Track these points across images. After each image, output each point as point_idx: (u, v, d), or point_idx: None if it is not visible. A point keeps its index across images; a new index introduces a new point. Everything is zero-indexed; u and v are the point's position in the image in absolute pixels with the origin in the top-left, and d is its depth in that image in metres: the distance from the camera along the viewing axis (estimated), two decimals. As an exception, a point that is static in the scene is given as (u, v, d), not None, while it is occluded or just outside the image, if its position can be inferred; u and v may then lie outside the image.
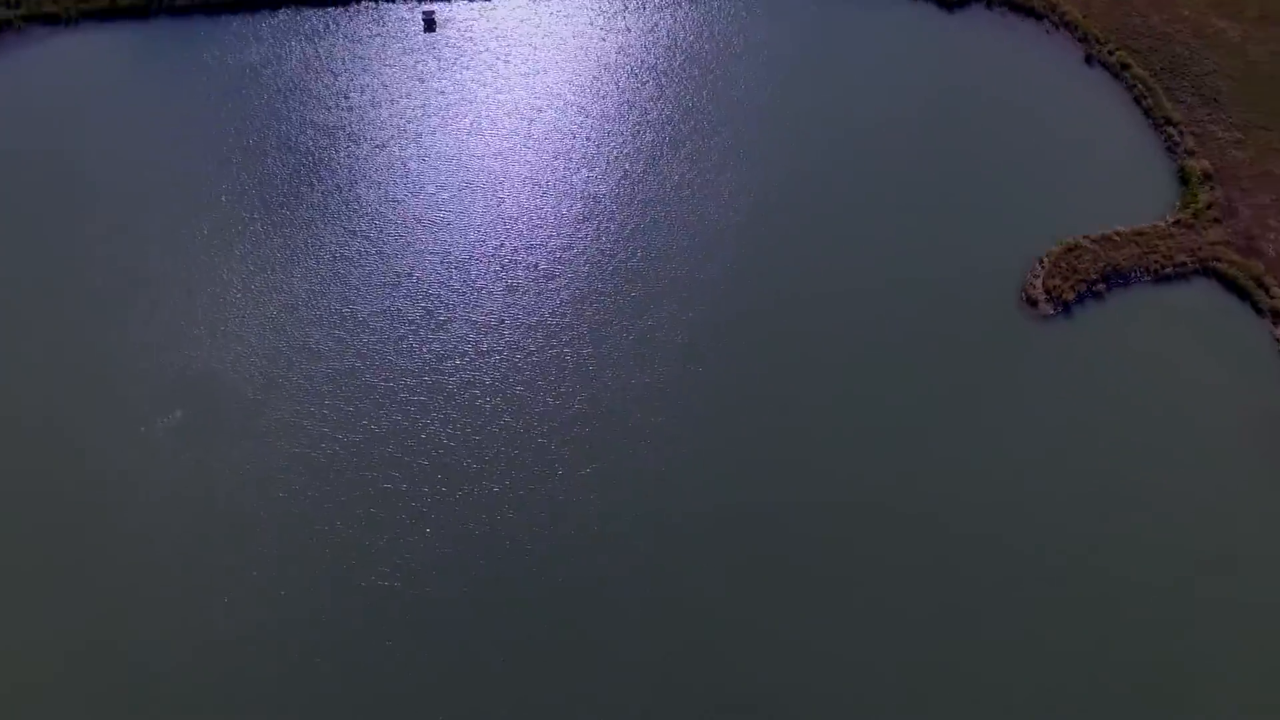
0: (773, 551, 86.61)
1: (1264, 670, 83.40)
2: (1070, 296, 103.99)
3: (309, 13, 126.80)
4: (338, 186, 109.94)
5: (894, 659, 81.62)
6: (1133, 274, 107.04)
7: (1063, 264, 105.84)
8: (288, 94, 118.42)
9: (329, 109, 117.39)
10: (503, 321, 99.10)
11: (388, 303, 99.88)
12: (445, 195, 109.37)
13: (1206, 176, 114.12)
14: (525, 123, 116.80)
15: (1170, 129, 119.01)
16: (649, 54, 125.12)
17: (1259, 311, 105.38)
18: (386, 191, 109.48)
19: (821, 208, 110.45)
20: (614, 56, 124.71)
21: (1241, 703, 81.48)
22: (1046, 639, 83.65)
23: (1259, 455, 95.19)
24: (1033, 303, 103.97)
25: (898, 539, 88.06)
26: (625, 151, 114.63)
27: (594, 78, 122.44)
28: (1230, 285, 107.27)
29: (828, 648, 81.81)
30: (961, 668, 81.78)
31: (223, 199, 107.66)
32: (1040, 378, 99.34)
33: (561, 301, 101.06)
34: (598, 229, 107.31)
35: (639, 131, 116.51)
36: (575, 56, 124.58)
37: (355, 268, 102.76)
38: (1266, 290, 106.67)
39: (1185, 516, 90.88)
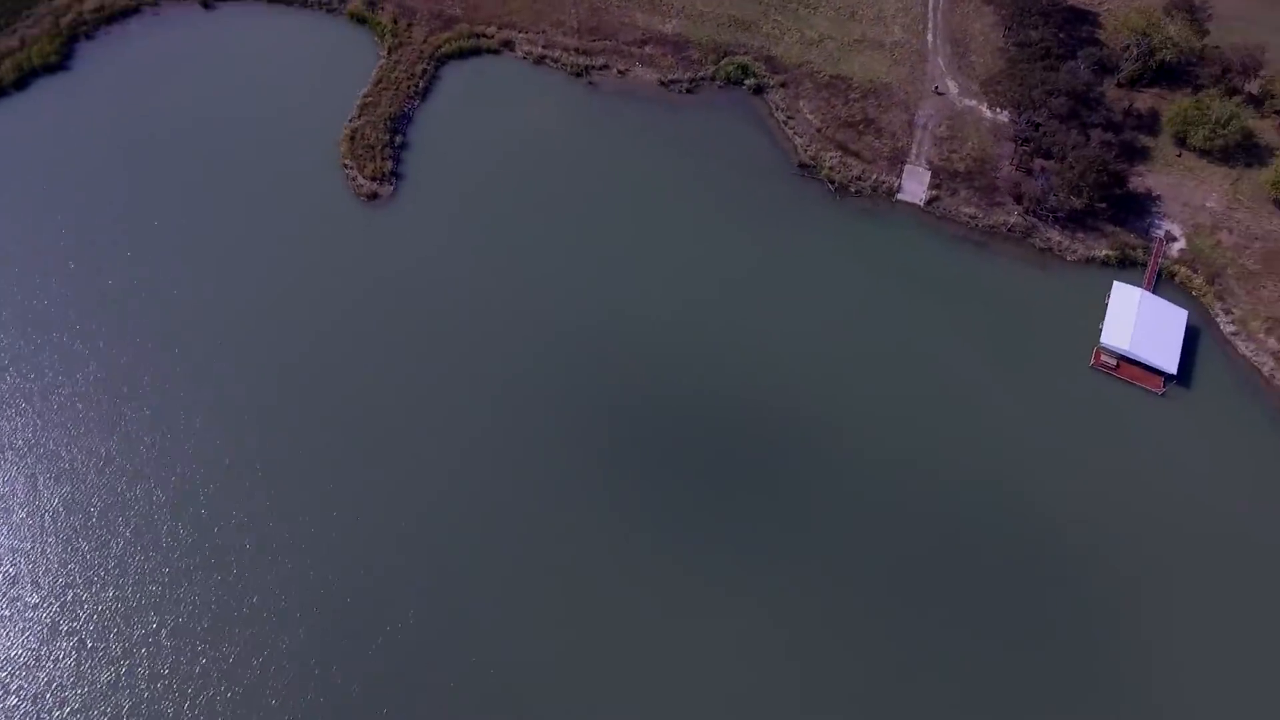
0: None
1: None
2: (388, 165, 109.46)
3: None
4: None
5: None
6: (406, 108, 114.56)
7: (358, 150, 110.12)
8: None
9: None
10: None
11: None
12: None
13: (370, 5, 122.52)
14: None
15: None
16: None
17: (492, 52, 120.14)
18: None
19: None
20: None
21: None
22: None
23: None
24: (373, 196, 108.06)
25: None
26: None
27: None
28: (468, 53, 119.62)
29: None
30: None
31: None
32: (436, 221, 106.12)
33: None
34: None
35: None
36: None
37: None
38: (488, 36, 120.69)
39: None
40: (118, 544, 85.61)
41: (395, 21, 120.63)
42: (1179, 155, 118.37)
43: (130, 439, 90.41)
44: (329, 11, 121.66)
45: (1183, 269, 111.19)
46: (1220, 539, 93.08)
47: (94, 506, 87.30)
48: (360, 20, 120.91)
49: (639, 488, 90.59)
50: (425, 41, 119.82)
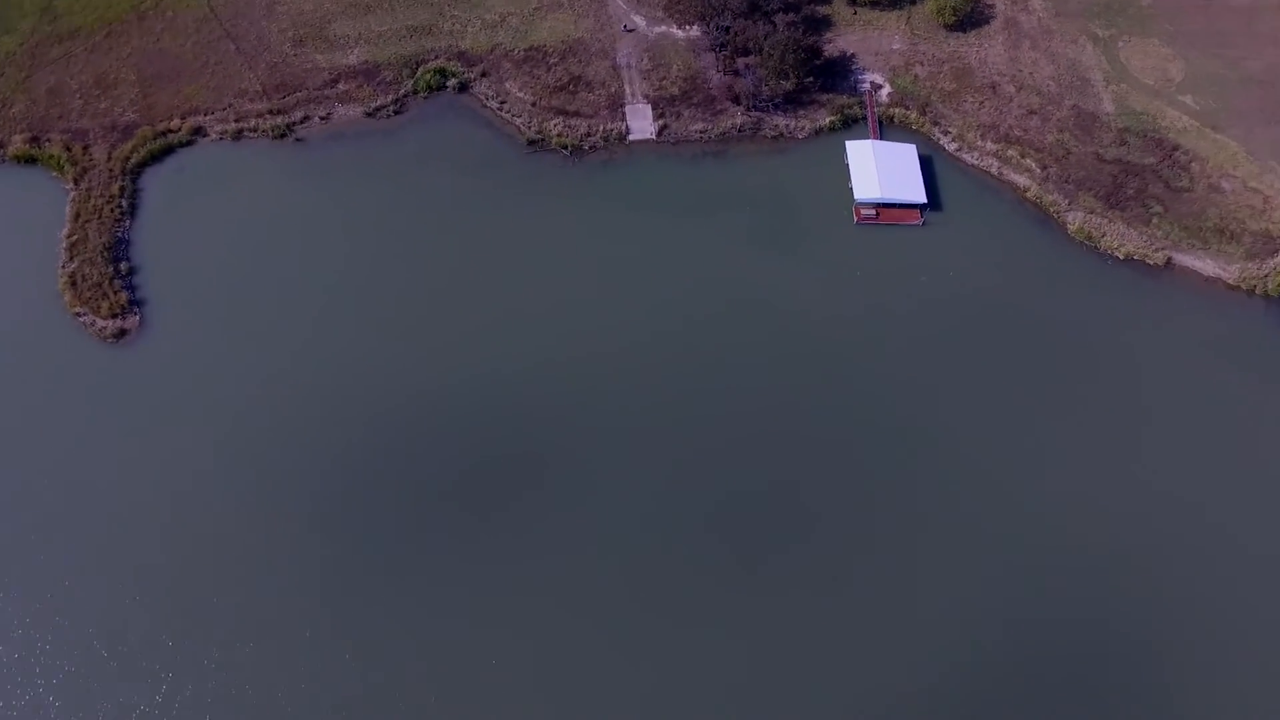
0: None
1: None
2: (124, 297, 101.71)
3: None
4: None
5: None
6: (119, 232, 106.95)
7: (86, 293, 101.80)
8: None
9: None
10: None
11: None
12: None
13: (34, 140, 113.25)
14: None
15: None
16: None
17: (185, 144, 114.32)
18: None
19: None
20: None
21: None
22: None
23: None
24: (120, 334, 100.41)
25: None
26: None
27: None
28: (161, 154, 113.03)
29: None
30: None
31: None
32: (197, 333, 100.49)
33: None
34: None
35: None
36: None
37: None
38: (174, 130, 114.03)
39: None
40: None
41: (69, 149, 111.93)
42: (855, 13, 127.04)
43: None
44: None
45: (897, 110, 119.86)
46: (1007, 322, 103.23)
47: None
48: (29, 160, 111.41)
49: (495, 525, 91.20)
50: (110, 159, 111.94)
